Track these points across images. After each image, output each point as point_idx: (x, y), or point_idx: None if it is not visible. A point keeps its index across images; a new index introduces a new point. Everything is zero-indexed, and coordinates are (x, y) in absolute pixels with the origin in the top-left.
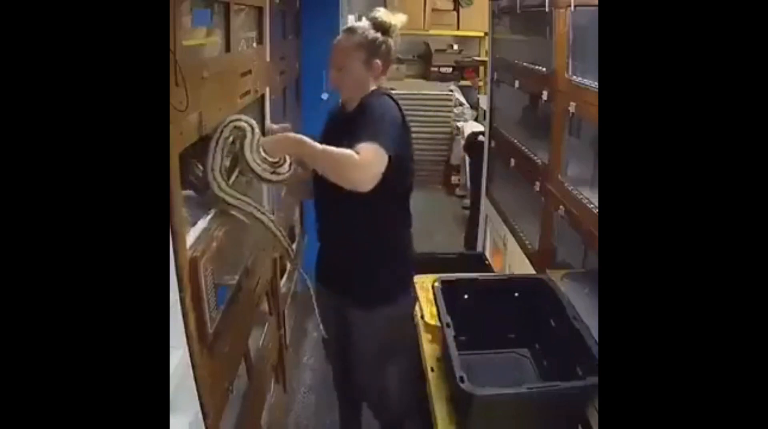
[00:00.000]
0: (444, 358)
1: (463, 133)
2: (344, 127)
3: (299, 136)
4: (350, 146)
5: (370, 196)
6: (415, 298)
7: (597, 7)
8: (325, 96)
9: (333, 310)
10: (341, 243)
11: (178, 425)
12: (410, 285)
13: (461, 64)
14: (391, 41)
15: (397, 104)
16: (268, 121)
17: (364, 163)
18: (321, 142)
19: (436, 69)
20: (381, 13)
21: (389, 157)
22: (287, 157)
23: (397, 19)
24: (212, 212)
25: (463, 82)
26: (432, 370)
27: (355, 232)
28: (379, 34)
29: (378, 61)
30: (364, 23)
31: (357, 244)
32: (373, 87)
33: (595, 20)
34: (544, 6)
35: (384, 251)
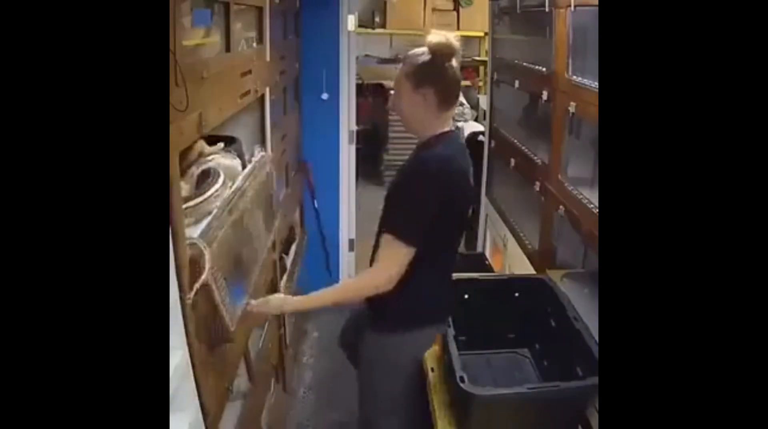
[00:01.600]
0: (444, 358)
1: (463, 133)
2: (401, 173)
3: (278, 300)
4: (387, 214)
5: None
6: (424, 343)
7: (597, 7)
8: (325, 96)
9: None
10: None
11: (178, 425)
12: (419, 327)
13: (461, 64)
14: (447, 65)
15: (451, 156)
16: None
17: (386, 278)
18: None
19: None
20: (431, 36)
21: (419, 244)
22: None
23: (442, 38)
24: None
25: (463, 82)
26: (432, 370)
27: None
28: (427, 58)
29: (430, 90)
30: (421, 48)
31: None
32: (441, 126)
33: (595, 20)
34: (544, 6)
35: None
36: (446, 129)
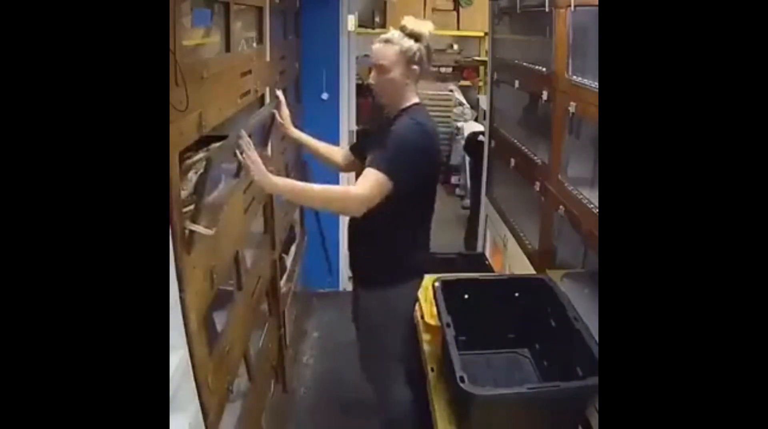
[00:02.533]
0: (444, 358)
1: (463, 133)
2: (378, 137)
3: (264, 175)
4: (373, 158)
5: (377, 214)
6: (410, 293)
7: (597, 7)
8: (325, 96)
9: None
10: (352, 243)
11: (178, 425)
12: (403, 281)
13: (461, 64)
14: (424, 49)
15: (429, 126)
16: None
17: (356, 196)
18: (359, 137)
19: (436, 69)
20: (410, 23)
21: (396, 184)
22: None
23: (426, 27)
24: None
25: (463, 82)
26: (432, 370)
27: (361, 237)
28: (412, 43)
29: (416, 68)
30: (396, 33)
31: (362, 247)
32: (413, 98)
33: (595, 20)
34: (544, 6)
35: (379, 255)
36: (417, 100)
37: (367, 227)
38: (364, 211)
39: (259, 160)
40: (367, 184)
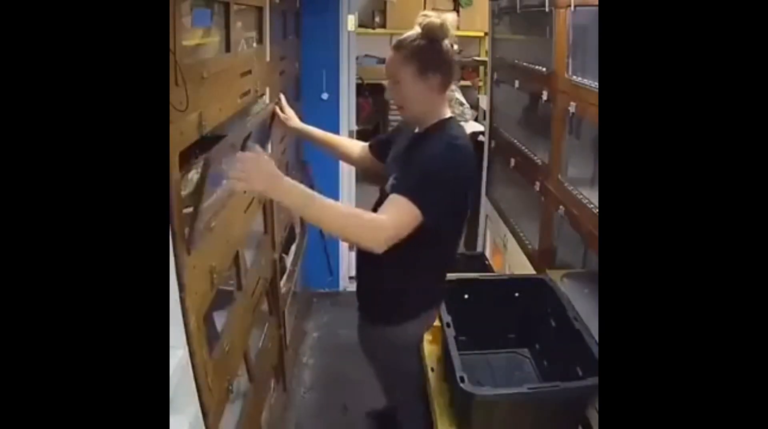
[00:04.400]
0: (444, 358)
1: None
2: (406, 151)
3: (272, 169)
4: (400, 181)
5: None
6: (419, 331)
7: (597, 7)
8: (325, 96)
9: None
10: (360, 271)
11: (178, 425)
12: (413, 316)
13: (461, 64)
14: (444, 46)
15: (464, 147)
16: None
17: (387, 227)
18: (385, 136)
19: None
20: (429, 18)
21: (426, 216)
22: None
23: (444, 20)
24: None
25: (463, 82)
26: (432, 370)
27: (371, 266)
28: (426, 44)
29: (435, 74)
30: (412, 32)
31: (371, 278)
32: (443, 111)
33: (595, 20)
34: (544, 6)
35: (390, 290)
36: (449, 115)
37: (380, 257)
38: (387, 247)
39: (260, 158)
40: (397, 216)
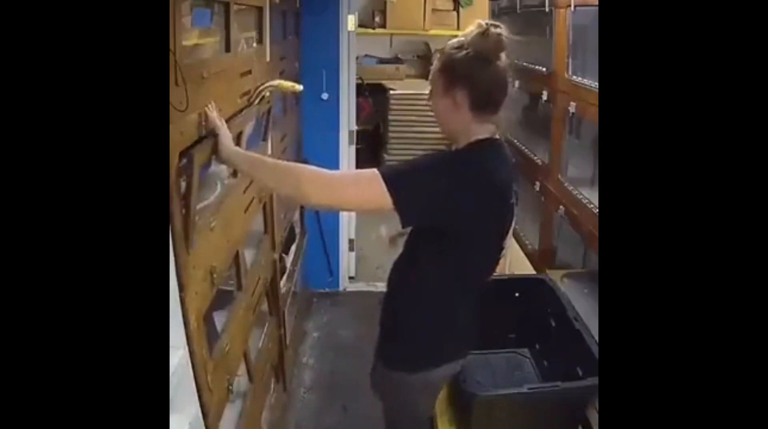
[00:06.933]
0: None
1: None
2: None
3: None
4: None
5: (422, 270)
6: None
7: (597, 7)
8: (325, 96)
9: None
10: (384, 304)
11: (178, 425)
12: (424, 366)
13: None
14: (487, 64)
15: (480, 164)
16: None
17: (323, 176)
18: None
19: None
20: (473, 26)
21: (398, 202)
22: None
23: (487, 32)
24: None
25: None
26: None
27: (389, 299)
28: (463, 54)
29: (462, 92)
30: (462, 37)
31: (386, 313)
32: (478, 132)
33: (595, 20)
34: (544, 6)
35: (405, 330)
36: (485, 136)
37: (398, 292)
38: (327, 202)
39: (224, 125)
40: (352, 174)
